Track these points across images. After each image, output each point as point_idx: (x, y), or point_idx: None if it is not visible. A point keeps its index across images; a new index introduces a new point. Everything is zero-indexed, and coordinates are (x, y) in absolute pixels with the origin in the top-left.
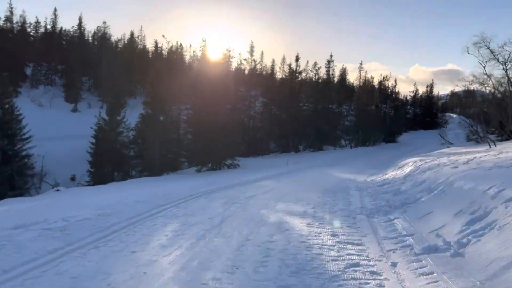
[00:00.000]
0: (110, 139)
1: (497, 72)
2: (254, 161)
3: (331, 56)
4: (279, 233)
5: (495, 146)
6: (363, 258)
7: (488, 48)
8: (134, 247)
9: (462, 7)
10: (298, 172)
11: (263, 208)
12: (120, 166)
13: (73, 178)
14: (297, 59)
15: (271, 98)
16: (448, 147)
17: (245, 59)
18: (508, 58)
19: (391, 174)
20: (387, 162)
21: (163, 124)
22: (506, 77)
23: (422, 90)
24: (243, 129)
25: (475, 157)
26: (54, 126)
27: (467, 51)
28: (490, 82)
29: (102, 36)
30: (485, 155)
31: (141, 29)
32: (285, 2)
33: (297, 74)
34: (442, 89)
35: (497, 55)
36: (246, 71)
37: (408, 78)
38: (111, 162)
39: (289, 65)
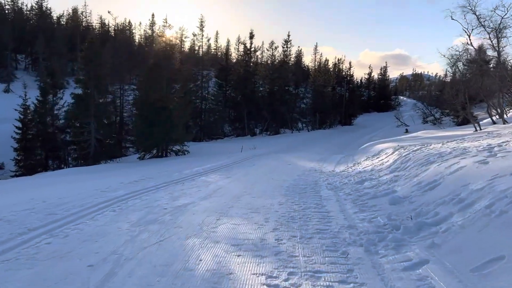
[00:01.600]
0: (42, 122)
1: (480, 42)
2: (206, 146)
3: (288, 35)
4: None
5: (480, 129)
6: None
7: (474, 13)
8: None
9: None
10: (254, 160)
11: (194, 235)
12: (55, 153)
13: (1, 167)
14: (251, 36)
15: (225, 79)
16: (406, 130)
17: (195, 35)
18: (499, 24)
19: (366, 164)
20: (348, 146)
21: (102, 106)
22: (497, 47)
23: (374, 73)
24: (194, 112)
25: (488, 144)
26: None
27: (451, 17)
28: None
29: (40, 10)
30: (506, 142)
31: (85, 5)
32: None
33: (251, 52)
34: (391, 73)
35: (483, 21)
36: (201, 52)
37: (359, 62)
38: (44, 148)
39: (244, 43)
